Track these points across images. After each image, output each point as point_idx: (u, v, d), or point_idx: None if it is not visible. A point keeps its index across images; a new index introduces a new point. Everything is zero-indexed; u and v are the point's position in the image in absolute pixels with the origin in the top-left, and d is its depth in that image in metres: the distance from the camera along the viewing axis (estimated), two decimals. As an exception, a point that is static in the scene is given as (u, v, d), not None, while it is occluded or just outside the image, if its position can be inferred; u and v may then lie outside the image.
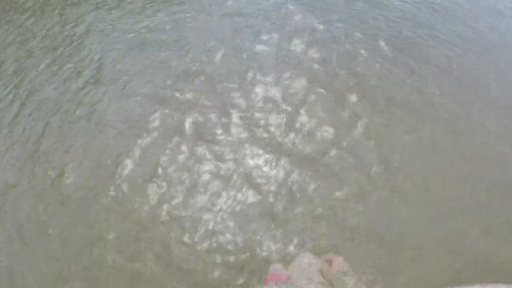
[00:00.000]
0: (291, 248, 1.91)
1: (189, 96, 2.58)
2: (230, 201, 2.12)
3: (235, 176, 2.20)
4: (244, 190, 2.15)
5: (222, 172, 2.22)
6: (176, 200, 2.15)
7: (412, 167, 2.17)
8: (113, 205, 2.18)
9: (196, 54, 2.82)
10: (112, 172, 2.30)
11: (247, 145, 2.29)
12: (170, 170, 2.27)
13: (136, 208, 2.16)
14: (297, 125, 2.36)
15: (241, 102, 2.50)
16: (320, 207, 2.05)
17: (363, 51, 2.71)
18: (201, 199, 2.14)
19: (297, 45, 2.79)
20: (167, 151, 2.34)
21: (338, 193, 2.10)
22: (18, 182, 2.40)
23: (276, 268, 1.43)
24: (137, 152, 2.36)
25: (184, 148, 2.34)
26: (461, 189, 2.11)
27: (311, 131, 2.33)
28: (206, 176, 2.22)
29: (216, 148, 2.32)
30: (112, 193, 2.23)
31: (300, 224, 2.00)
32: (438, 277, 1.83)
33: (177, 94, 2.59)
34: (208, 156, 2.30)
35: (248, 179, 2.17)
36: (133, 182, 2.26)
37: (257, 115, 2.43)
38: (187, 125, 2.43)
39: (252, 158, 2.25)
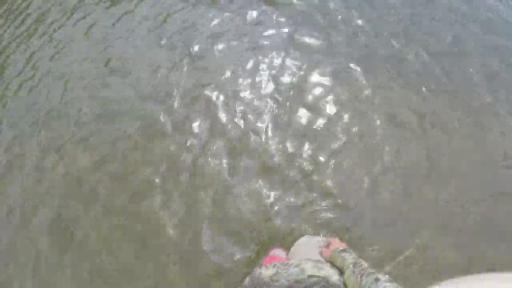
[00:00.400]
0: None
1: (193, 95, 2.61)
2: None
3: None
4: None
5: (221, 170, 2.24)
6: (177, 212, 2.15)
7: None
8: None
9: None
10: (106, 168, 2.31)
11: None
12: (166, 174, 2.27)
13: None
14: (295, 113, 2.41)
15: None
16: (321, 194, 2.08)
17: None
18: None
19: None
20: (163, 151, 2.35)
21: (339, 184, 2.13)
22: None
23: (276, 252, 1.43)
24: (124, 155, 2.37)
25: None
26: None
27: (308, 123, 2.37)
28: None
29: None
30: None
31: (303, 214, 2.02)
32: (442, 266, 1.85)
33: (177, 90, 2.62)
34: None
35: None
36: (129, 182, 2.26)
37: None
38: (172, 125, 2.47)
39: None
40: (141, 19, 3.14)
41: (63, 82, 2.86)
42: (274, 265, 0.90)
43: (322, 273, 0.81)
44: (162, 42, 2.92)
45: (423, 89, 2.49)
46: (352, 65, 2.60)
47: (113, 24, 3.15)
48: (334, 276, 0.80)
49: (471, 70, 2.60)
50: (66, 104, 2.73)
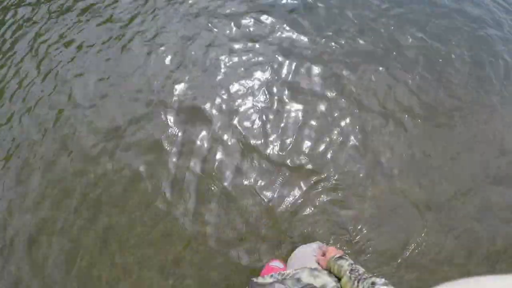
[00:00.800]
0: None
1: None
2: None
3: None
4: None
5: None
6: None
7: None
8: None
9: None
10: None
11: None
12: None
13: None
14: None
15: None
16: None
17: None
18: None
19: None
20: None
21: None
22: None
23: (274, 263, 1.41)
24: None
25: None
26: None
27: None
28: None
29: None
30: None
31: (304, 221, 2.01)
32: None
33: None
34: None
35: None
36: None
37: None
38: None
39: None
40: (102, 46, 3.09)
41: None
42: (271, 276, 0.90)
43: (318, 281, 0.80)
44: (153, 56, 2.90)
45: (411, 83, 2.56)
46: (340, 68, 2.65)
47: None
48: (330, 284, 0.79)
49: (458, 61, 2.67)
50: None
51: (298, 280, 0.81)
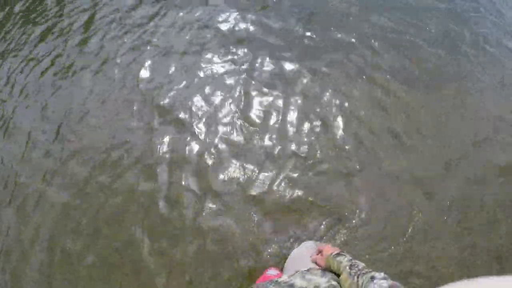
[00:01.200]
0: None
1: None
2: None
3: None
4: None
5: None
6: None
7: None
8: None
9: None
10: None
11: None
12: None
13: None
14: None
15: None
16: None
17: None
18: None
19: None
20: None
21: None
22: None
23: (270, 271, 1.37)
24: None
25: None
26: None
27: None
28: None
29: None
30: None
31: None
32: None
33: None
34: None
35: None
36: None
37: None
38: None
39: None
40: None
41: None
42: (264, 285, 0.87)
43: (311, 283, 0.79)
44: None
45: (387, 77, 2.56)
46: (312, 62, 2.66)
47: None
48: (323, 284, 0.78)
49: (429, 35, 2.77)
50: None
51: (291, 286, 0.80)
